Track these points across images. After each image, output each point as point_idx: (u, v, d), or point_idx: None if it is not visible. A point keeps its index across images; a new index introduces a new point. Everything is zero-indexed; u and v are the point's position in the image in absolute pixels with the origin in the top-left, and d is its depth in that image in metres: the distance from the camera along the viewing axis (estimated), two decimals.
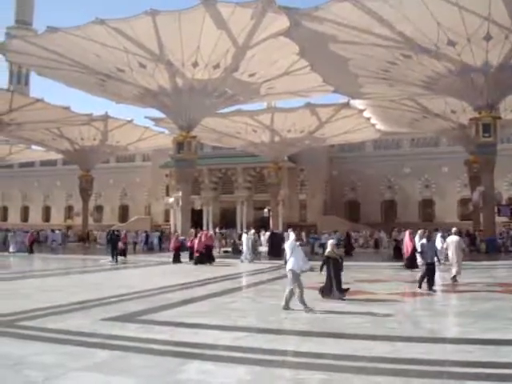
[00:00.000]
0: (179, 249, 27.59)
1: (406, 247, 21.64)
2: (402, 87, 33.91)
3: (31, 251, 33.93)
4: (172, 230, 51.44)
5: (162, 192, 64.24)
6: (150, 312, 11.11)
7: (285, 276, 20.69)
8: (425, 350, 7.86)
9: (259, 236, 37.60)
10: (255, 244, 29.44)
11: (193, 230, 32.89)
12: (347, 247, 33.14)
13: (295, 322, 10.16)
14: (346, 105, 41.43)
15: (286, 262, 11.94)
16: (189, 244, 27.79)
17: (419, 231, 20.80)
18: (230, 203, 58.95)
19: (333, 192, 59.76)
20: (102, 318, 10.14)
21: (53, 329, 9.17)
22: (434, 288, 14.66)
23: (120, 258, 27.80)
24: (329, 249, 13.08)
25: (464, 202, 51.76)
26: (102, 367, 6.73)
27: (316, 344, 8.22)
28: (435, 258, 15.03)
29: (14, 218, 76.89)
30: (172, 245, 27.98)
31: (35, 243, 36.94)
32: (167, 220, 61.95)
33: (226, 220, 57.38)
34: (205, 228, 53.84)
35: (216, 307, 12.15)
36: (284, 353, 7.52)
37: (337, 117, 43.68)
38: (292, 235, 12.08)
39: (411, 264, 20.90)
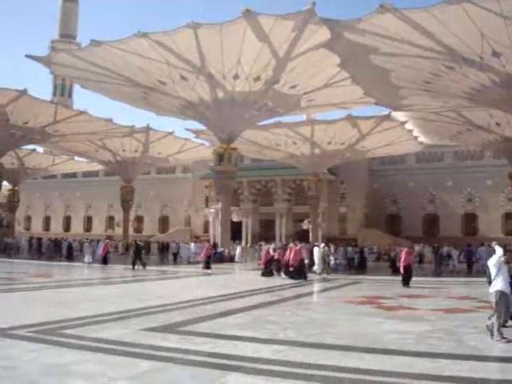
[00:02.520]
0: (270, 262, 26.65)
1: None
2: (445, 99, 33.38)
3: (105, 262, 32.04)
4: (212, 240, 51.52)
5: (202, 203, 64.66)
6: (191, 323, 11.10)
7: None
8: (469, 367, 7.64)
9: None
10: (326, 257, 29.34)
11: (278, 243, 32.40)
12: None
13: (336, 336, 9.99)
14: (388, 117, 41.01)
15: (489, 283, 10.19)
16: (276, 257, 26.72)
17: None
18: (269, 215, 58.94)
19: (373, 205, 59.17)
20: (142, 328, 10.17)
21: (95, 338, 9.21)
22: None
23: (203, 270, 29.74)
24: None
25: (508, 217, 50.61)
26: (144, 378, 6.72)
27: (357, 359, 8.07)
28: None
29: (55, 227, 78.34)
30: (263, 259, 26.83)
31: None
32: (206, 231, 62.23)
33: (265, 232, 57.34)
34: (243, 240, 54.02)
35: (256, 319, 12.08)
36: (325, 367, 7.38)
37: (378, 129, 43.28)
38: (499, 250, 10.38)
39: None
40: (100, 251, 33.73)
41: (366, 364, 7.67)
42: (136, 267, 29.19)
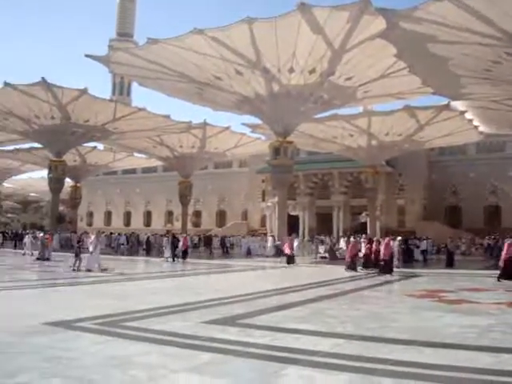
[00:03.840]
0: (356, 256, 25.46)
1: None
2: (507, 87, 32.42)
3: (185, 257, 31.64)
4: (269, 233, 51.64)
5: (259, 197, 64.92)
6: (250, 316, 11.19)
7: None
8: None
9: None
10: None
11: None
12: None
13: (396, 330, 9.90)
14: (447, 106, 40.12)
15: None
16: (364, 251, 25.90)
17: None
18: (326, 208, 58.66)
19: (432, 197, 58.10)
20: (202, 321, 10.33)
21: (156, 330, 9.41)
22: None
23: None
24: None
25: None
26: (205, 369, 6.83)
27: (417, 353, 7.98)
28: None
29: (116, 222, 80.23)
30: (349, 252, 25.30)
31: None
32: (263, 225, 62.50)
33: (322, 226, 57.09)
34: (300, 233, 53.91)
35: (315, 313, 12.07)
36: (385, 361, 7.33)
37: (437, 119, 42.39)
38: None
39: None
40: (180, 246, 33.00)
41: (426, 358, 7.58)
42: (172, 259, 30.64)
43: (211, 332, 9.25)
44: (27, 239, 35.14)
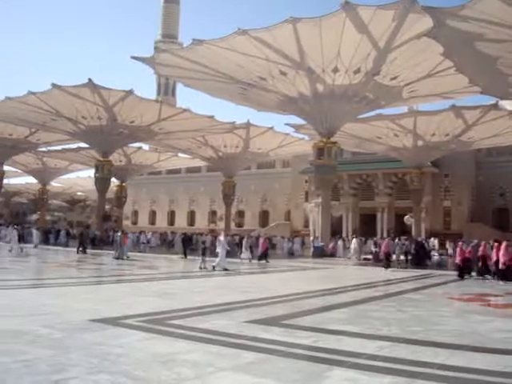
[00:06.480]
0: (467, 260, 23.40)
1: None
2: None
3: (263, 258, 31.27)
4: (311, 235, 51.40)
5: (302, 198, 64.72)
6: (294, 316, 11.16)
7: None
8: None
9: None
10: None
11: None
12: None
13: (442, 334, 9.74)
14: (495, 106, 39.28)
15: None
16: (467, 255, 23.36)
17: None
18: (370, 210, 58.09)
19: (479, 199, 56.89)
20: (246, 320, 10.35)
21: (200, 328, 9.47)
22: None
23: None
24: None
25: None
26: (249, 368, 6.85)
27: (464, 358, 7.82)
28: None
29: (161, 221, 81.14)
30: (458, 257, 23.30)
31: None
32: (306, 226, 62.25)
33: (366, 227, 56.53)
34: (344, 234, 53.46)
35: (359, 314, 11.98)
36: (430, 365, 7.21)
37: (484, 119, 41.53)
38: None
39: None
40: (260, 247, 32.31)
41: (474, 363, 7.42)
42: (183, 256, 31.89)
43: (255, 331, 9.27)
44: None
